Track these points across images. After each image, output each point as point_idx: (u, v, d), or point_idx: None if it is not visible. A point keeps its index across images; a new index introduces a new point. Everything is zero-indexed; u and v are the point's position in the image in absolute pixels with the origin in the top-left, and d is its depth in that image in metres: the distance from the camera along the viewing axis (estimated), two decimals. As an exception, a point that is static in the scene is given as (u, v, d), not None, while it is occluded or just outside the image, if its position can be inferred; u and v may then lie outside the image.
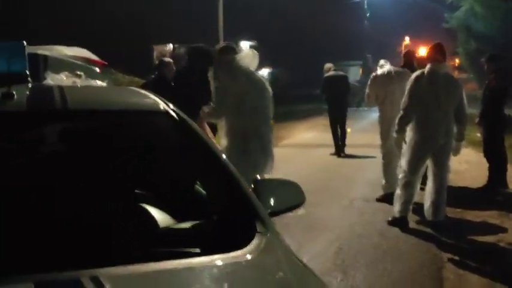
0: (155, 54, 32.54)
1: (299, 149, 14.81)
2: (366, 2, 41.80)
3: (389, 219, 7.02)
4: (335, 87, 13.55)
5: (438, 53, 6.94)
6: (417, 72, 6.99)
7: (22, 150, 2.58)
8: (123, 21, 26.94)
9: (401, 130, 6.90)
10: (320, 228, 6.88)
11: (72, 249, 2.04)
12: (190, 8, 26.87)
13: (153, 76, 8.80)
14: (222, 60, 6.02)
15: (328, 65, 14.09)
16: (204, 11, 18.15)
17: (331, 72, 13.84)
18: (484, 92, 9.21)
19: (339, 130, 13.62)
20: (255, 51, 6.17)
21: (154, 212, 2.47)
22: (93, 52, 17.10)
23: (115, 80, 14.13)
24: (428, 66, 6.84)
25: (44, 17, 23.98)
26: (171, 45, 33.44)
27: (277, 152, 12.64)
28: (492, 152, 9.11)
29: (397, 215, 6.94)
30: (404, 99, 6.89)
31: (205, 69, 6.88)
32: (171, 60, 8.78)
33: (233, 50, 6.15)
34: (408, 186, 6.87)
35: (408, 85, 6.91)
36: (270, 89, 6.06)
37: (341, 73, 14.46)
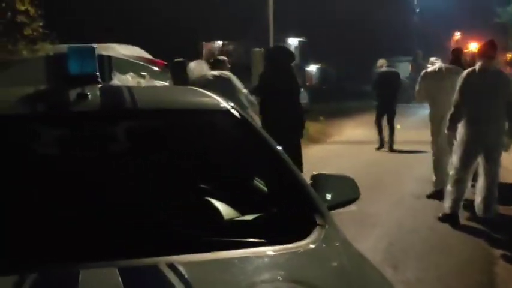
0: (204, 51, 32.81)
1: (348, 146, 14.82)
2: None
3: (440, 215, 7.04)
4: (387, 83, 13.56)
5: (490, 50, 6.93)
6: (468, 70, 7.00)
7: (97, 147, 2.77)
8: (171, 19, 27.20)
9: (453, 127, 6.91)
10: (371, 223, 6.94)
11: (150, 240, 2.18)
12: (238, 5, 26.99)
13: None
14: None
15: (381, 61, 14.12)
16: (252, 8, 18.27)
17: (384, 68, 13.90)
18: None
19: (386, 125, 13.65)
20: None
21: (219, 205, 2.59)
22: (146, 50, 17.36)
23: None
24: (479, 63, 6.84)
25: (91, 14, 24.41)
26: (220, 43, 33.67)
27: (327, 148, 12.90)
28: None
29: (447, 211, 6.95)
30: (455, 96, 6.90)
31: (289, 66, 7.83)
32: (225, 58, 8.95)
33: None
34: (459, 182, 6.88)
35: (459, 82, 6.92)
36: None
37: (393, 69, 14.51)
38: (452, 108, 6.89)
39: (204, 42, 31.06)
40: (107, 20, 24.62)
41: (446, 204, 6.97)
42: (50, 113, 2.74)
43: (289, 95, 7.53)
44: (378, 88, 13.84)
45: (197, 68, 8.09)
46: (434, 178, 8.44)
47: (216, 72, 7.85)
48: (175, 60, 8.47)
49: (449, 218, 6.90)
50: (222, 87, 6.61)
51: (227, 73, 7.89)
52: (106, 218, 2.32)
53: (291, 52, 7.99)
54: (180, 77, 7.55)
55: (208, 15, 28.53)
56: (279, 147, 2.78)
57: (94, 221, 2.28)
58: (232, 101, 3.06)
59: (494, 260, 5.76)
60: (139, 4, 25.74)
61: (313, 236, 2.26)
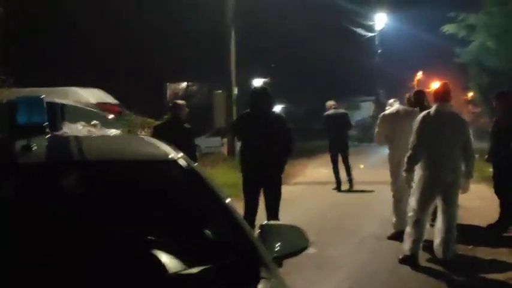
0: (168, 92, 32.80)
1: (312, 186, 14.87)
2: (377, 38, 41.97)
3: (400, 257, 7.04)
4: (335, 125, 13.93)
5: (444, 93, 7.08)
6: (424, 112, 7.13)
7: (42, 199, 2.73)
8: (137, 60, 27.26)
9: (410, 168, 6.98)
10: (331, 267, 6.93)
11: None
12: (202, 46, 27.19)
13: (166, 117, 8.98)
14: None
15: (329, 103, 14.45)
16: (215, 49, 18.47)
17: (331, 111, 14.18)
18: (493, 129, 9.25)
19: (341, 165, 13.89)
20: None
21: (164, 257, 2.57)
22: (108, 92, 17.38)
23: (129, 121, 14.33)
24: (434, 106, 6.99)
25: (62, 56, 24.37)
26: (184, 84, 33.75)
27: (290, 190, 12.86)
28: (503, 188, 9.12)
29: (407, 252, 6.97)
30: (412, 138, 6.99)
31: (270, 106, 7.98)
32: (184, 102, 8.98)
33: None
34: (418, 224, 6.92)
35: (415, 125, 7.03)
36: None
37: (341, 111, 14.73)
38: (410, 150, 6.98)
39: (168, 83, 31.24)
40: (76, 61, 24.59)
41: (406, 246, 6.99)
42: None
43: (271, 135, 7.49)
44: (327, 130, 14.22)
45: None
46: (394, 219, 8.49)
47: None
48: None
49: (409, 260, 6.91)
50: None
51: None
52: (40, 275, 2.29)
53: (266, 93, 7.96)
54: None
55: (173, 57, 28.65)
56: (227, 199, 2.78)
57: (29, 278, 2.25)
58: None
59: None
60: (105, 44, 25.73)
61: None
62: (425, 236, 7.06)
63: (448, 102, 7.07)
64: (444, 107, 6.98)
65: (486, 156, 9.41)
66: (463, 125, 7.08)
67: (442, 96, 7.06)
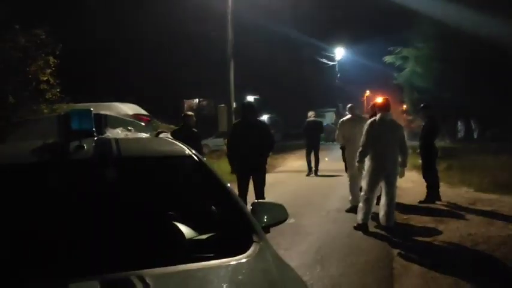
0: (185, 106, 32.63)
1: (289, 174, 14.81)
2: (336, 66, 42.09)
3: (355, 225, 7.04)
4: (313, 129, 14.19)
5: (386, 105, 7.07)
6: (371, 119, 7.12)
7: (91, 186, 2.67)
8: (162, 82, 27.20)
9: (361, 160, 6.96)
10: (305, 232, 6.90)
11: (125, 256, 2.11)
12: (211, 72, 27.11)
13: (180, 124, 8.91)
14: None
15: (310, 113, 14.56)
16: (220, 72, 18.50)
17: (311, 118, 14.30)
18: (422, 132, 9.31)
19: (313, 158, 14.06)
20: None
21: (182, 227, 2.53)
22: (142, 106, 17.20)
23: (156, 127, 14.23)
24: (378, 114, 6.98)
25: (104, 78, 24.22)
26: (196, 100, 33.58)
27: (274, 176, 12.86)
28: (428, 174, 9.15)
29: (360, 222, 6.96)
30: (362, 138, 6.98)
31: (256, 116, 7.95)
32: (192, 114, 8.97)
33: None
34: (368, 201, 6.91)
35: (365, 128, 7.02)
36: None
37: (318, 119, 15.07)
38: (361, 147, 6.96)
39: (184, 100, 31.13)
40: (113, 82, 24.44)
41: (359, 217, 6.98)
42: (54, 161, 2.66)
43: (257, 137, 7.42)
44: (306, 133, 14.28)
45: None
46: (350, 197, 8.48)
47: None
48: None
49: (362, 227, 6.90)
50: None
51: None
52: (91, 241, 2.24)
53: (252, 107, 7.93)
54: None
55: (189, 80, 28.58)
56: (227, 184, 2.74)
57: (82, 244, 2.20)
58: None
59: (393, 257, 5.73)
60: (137, 67, 25.60)
61: (250, 250, 2.23)
62: (373, 210, 7.05)
63: (388, 112, 7.04)
64: (386, 115, 6.97)
65: (417, 150, 9.43)
66: (399, 129, 7.07)
67: (384, 107, 7.05)
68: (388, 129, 6.89)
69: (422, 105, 9.75)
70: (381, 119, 6.92)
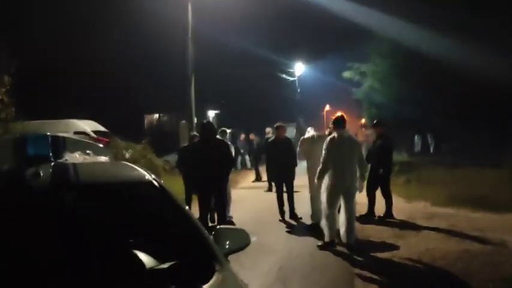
0: (146, 121, 32.23)
1: (251, 190, 14.82)
2: (297, 81, 42.67)
3: (320, 244, 7.04)
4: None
5: (341, 122, 7.19)
6: (330, 136, 7.20)
7: (46, 214, 2.59)
8: (121, 96, 26.76)
9: (322, 176, 7.04)
10: (268, 251, 6.87)
11: (83, 286, 2.06)
12: (172, 87, 26.91)
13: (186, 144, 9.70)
14: None
15: (268, 129, 14.53)
16: (181, 89, 18.34)
17: (270, 135, 14.14)
18: (373, 147, 9.40)
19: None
20: None
21: (142, 255, 2.49)
22: (99, 122, 16.78)
23: (115, 145, 13.97)
24: (335, 132, 7.10)
25: (60, 93, 23.59)
26: (157, 115, 33.24)
27: (236, 192, 12.77)
28: (385, 189, 9.27)
29: (327, 240, 7.00)
30: (323, 155, 7.05)
31: (215, 135, 7.95)
32: (197, 134, 9.27)
33: None
34: (329, 216, 6.98)
35: (325, 145, 7.09)
36: None
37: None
38: (321, 164, 7.03)
39: (145, 115, 30.75)
40: (71, 98, 23.83)
41: (326, 233, 7.01)
42: (9, 188, 2.58)
43: (217, 155, 7.50)
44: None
45: None
46: (311, 213, 8.54)
47: None
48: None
49: (328, 245, 6.93)
50: None
51: None
52: (47, 271, 2.17)
53: (211, 126, 7.95)
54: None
55: (149, 95, 28.24)
56: (187, 209, 2.72)
57: (38, 273, 2.14)
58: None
59: (354, 275, 5.77)
60: (99, 82, 25.09)
61: (212, 280, 2.21)
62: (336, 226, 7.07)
63: (344, 128, 7.16)
64: (343, 132, 7.08)
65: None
66: (357, 146, 7.21)
67: (339, 124, 7.16)
68: (346, 146, 6.99)
69: (374, 122, 9.98)
70: (339, 136, 7.02)
